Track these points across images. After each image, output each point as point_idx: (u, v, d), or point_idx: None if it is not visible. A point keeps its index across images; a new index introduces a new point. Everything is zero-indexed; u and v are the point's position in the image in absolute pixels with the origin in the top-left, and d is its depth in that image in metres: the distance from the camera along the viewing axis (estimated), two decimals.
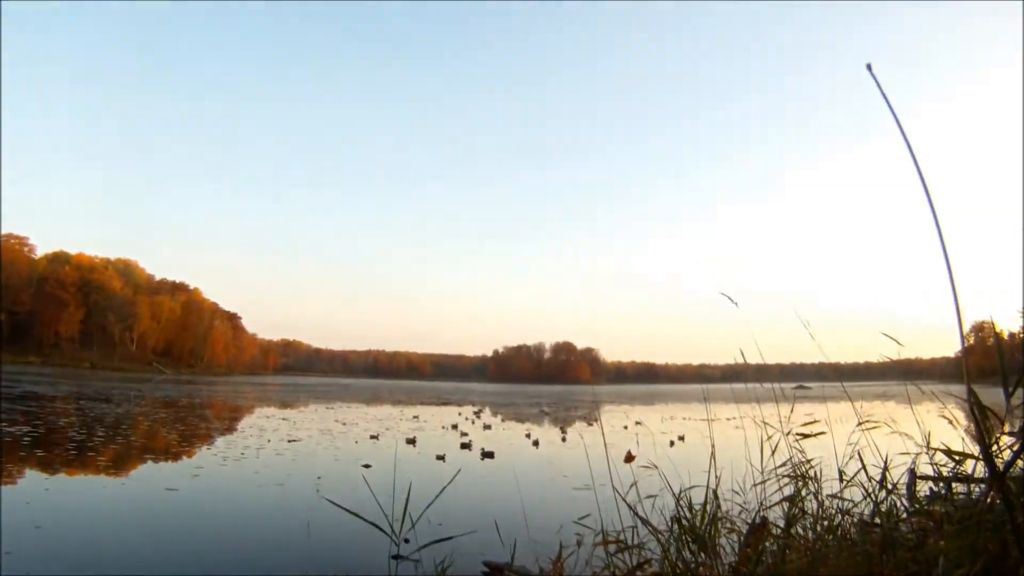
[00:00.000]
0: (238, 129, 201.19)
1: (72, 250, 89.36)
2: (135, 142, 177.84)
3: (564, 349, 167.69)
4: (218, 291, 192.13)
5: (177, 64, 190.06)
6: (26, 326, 77.95)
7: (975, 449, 2.03)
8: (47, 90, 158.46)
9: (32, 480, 9.24)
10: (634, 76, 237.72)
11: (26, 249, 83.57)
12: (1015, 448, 1.72)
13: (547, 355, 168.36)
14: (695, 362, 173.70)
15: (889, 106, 1.88)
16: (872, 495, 2.70)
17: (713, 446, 3.38)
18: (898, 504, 2.58)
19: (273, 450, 13.22)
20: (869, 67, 2.00)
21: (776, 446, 3.34)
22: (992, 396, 1.84)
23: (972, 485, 2.17)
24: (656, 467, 3.50)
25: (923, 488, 2.46)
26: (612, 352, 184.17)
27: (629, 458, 3.76)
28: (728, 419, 7.87)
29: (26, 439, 12.86)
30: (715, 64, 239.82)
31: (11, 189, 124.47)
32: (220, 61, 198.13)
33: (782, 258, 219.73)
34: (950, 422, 2.72)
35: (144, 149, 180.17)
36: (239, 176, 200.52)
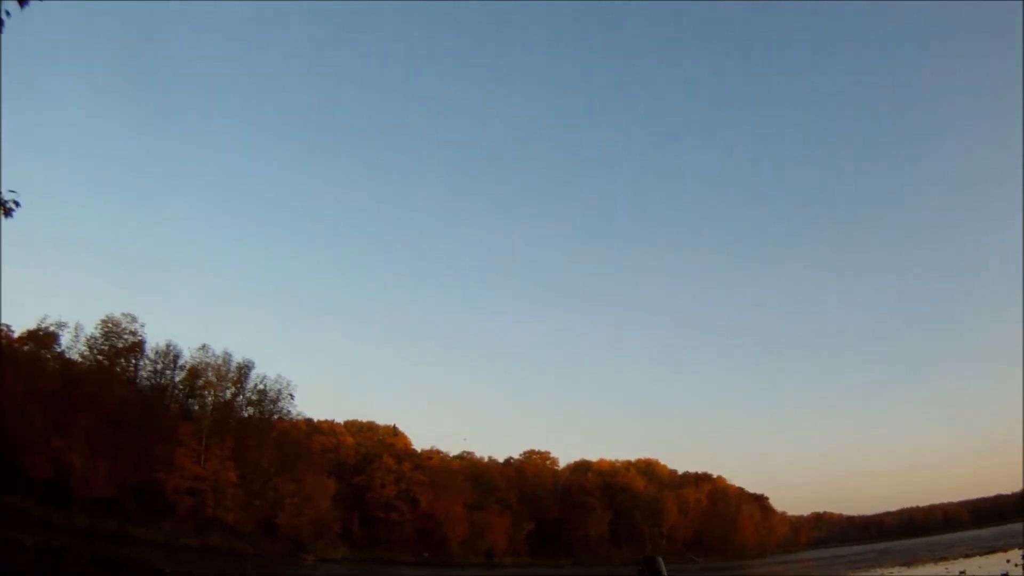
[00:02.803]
0: None
1: (592, 458, 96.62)
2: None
3: None
4: (742, 475, 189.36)
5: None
6: (554, 532, 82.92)
7: None
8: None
9: None
10: None
11: (548, 462, 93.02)
12: None
13: None
14: None
15: None
16: None
17: None
18: None
19: None
20: None
21: None
22: None
23: None
24: None
25: None
26: None
27: None
28: None
29: None
30: None
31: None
32: None
33: None
34: None
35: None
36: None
